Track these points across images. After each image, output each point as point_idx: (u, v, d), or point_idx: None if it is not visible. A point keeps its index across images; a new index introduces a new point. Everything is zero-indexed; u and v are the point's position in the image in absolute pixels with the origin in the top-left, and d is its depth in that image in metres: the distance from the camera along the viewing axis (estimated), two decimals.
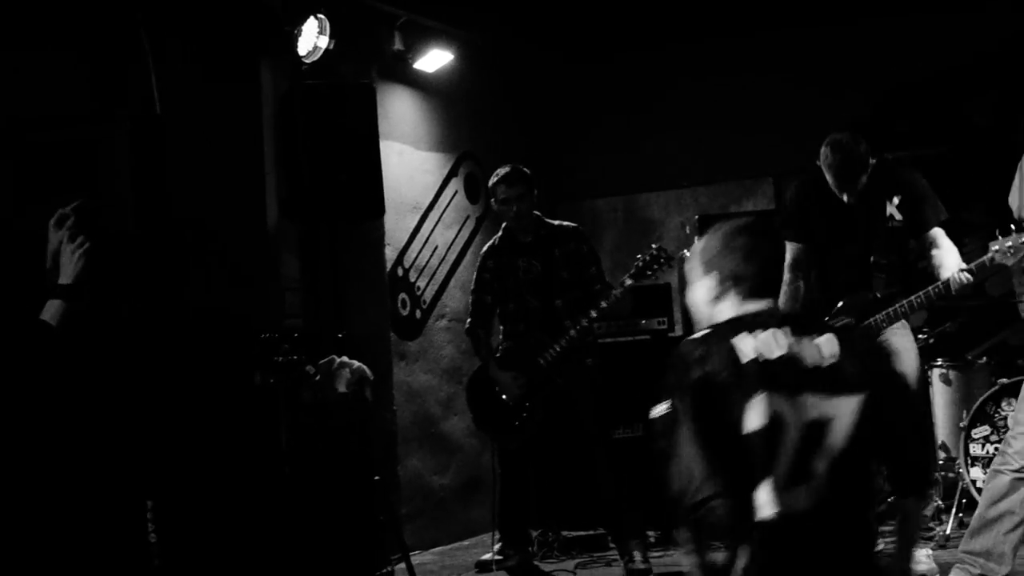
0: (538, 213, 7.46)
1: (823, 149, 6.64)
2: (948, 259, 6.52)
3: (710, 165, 10.35)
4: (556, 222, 7.54)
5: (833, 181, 6.64)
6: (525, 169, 7.42)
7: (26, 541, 4.70)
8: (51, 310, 4.82)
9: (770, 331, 3.69)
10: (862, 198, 6.69)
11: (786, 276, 6.86)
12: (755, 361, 3.63)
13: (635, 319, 8.50)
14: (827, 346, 3.70)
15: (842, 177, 6.60)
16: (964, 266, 6.37)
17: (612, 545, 7.68)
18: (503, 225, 7.55)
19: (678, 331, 8.80)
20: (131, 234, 5.08)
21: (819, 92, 9.65)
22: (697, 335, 3.80)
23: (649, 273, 7.13)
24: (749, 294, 3.85)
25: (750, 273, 3.85)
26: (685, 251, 8.64)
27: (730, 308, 3.86)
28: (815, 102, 9.54)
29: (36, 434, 4.91)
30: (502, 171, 7.39)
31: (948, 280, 6.34)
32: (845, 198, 6.64)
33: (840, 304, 6.72)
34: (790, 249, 6.91)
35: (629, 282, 7.08)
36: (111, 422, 5.43)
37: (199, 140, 7.22)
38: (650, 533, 7.83)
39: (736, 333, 3.70)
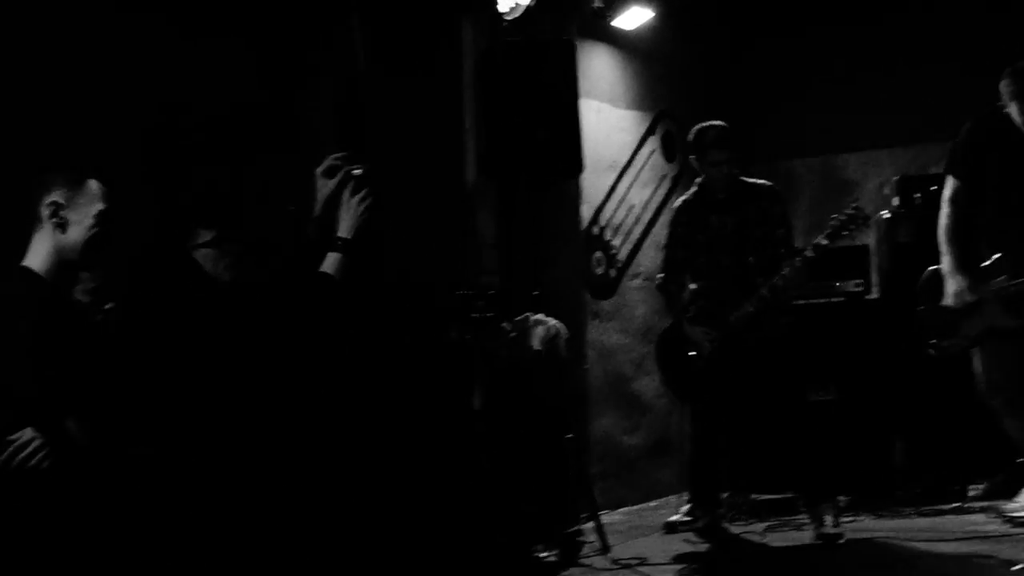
0: (736, 171, 7.40)
1: (1003, 82, 6.61)
2: None
3: (910, 125, 10.14)
4: (751, 180, 7.45)
5: (1017, 112, 6.55)
6: (729, 127, 7.35)
7: (247, 483, 4.81)
8: (331, 263, 4.90)
9: None
10: None
11: (944, 210, 6.80)
12: None
13: (830, 280, 8.39)
14: None
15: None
16: None
17: (802, 509, 7.62)
18: (697, 180, 7.49)
19: (875, 294, 8.67)
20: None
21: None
22: None
23: (845, 234, 6.98)
24: None
25: None
26: (884, 212, 8.52)
27: None
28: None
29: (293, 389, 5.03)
30: (715, 132, 7.27)
31: None
32: None
33: (997, 256, 6.63)
34: (949, 184, 6.84)
35: (824, 242, 6.95)
36: (322, 376, 5.52)
37: (401, 97, 7.29)
38: (841, 498, 7.75)
39: None
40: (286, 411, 5.02)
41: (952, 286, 6.72)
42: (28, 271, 4.52)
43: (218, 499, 4.71)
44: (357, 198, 4.96)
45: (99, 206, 4.58)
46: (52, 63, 5.61)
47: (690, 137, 7.42)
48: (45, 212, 4.54)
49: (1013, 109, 6.56)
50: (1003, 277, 6.60)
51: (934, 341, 6.90)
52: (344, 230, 4.94)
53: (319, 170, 5.01)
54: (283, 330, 4.92)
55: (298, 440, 5.10)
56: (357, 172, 4.99)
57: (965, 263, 6.71)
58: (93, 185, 4.59)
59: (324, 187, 5.01)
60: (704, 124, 7.35)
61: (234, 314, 4.91)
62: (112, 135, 5.72)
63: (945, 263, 6.78)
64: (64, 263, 4.56)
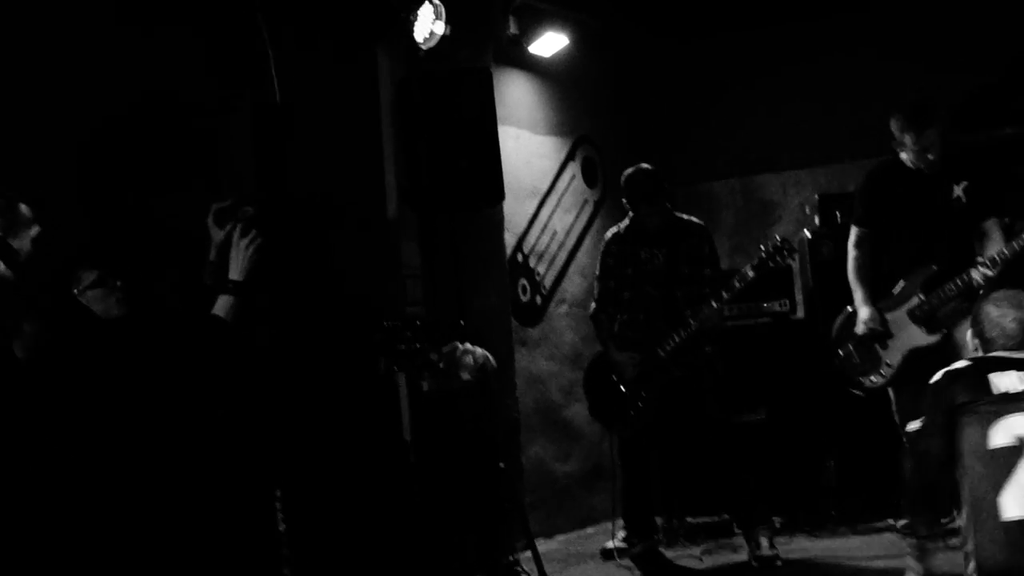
0: (669, 205, 7.38)
1: (892, 120, 6.82)
2: (988, 252, 6.71)
3: (828, 144, 10.19)
4: (685, 217, 7.47)
5: (911, 142, 6.75)
6: (658, 172, 7.35)
7: (163, 528, 4.73)
8: (222, 305, 4.86)
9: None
10: (932, 182, 6.81)
11: (851, 254, 7.11)
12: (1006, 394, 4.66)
13: (757, 302, 8.39)
14: None
15: (916, 128, 6.71)
16: (980, 259, 6.66)
17: (738, 531, 7.59)
18: (630, 213, 7.47)
19: (800, 314, 8.67)
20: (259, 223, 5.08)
21: (939, 67, 9.42)
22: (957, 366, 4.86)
23: (772, 265, 7.05)
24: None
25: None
26: (806, 231, 8.53)
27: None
28: (933, 78, 9.32)
29: (187, 426, 4.95)
30: (645, 183, 7.29)
31: (970, 278, 6.63)
32: (930, 156, 6.75)
33: (901, 281, 6.92)
34: (854, 231, 7.15)
35: (751, 274, 7.00)
36: (243, 411, 5.47)
37: (318, 128, 7.22)
38: (776, 519, 7.73)
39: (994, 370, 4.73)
40: (192, 453, 4.96)
41: (864, 314, 6.99)
42: None
43: (126, 533, 4.64)
44: (246, 240, 4.94)
45: (36, 228, 4.45)
46: None
47: (621, 181, 7.41)
48: None
49: (906, 141, 6.78)
50: (915, 298, 6.86)
51: (859, 379, 7.06)
52: (235, 272, 4.91)
53: (209, 218, 4.98)
54: (177, 373, 4.86)
55: (222, 476, 5.04)
56: (247, 213, 4.96)
57: (875, 297, 7.01)
58: (24, 209, 4.47)
59: (216, 234, 4.99)
60: (633, 170, 7.36)
61: (131, 353, 4.84)
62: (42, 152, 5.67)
63: (857, 297, 7.07)
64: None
